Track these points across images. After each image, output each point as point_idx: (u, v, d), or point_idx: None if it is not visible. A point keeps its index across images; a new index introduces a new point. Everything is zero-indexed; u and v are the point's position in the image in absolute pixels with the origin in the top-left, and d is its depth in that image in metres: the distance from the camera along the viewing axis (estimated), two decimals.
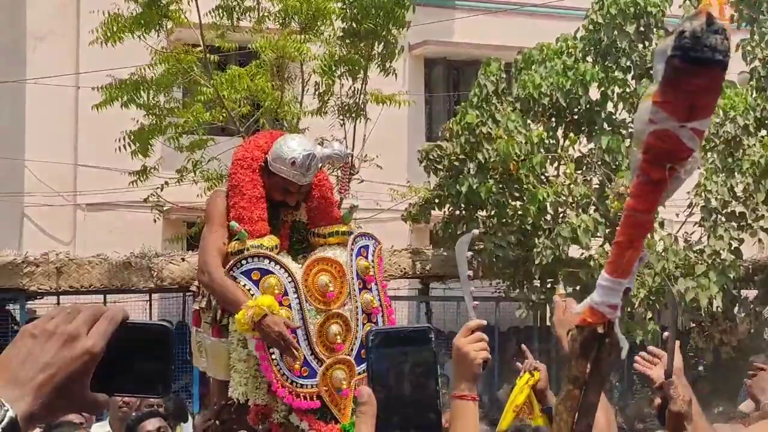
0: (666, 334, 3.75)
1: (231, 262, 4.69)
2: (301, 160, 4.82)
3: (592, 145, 13.92)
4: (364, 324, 4.80)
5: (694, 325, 14.56)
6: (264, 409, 4.75)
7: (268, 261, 4.70)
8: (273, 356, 4.63)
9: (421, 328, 2.20)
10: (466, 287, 2.95)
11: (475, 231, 3.37)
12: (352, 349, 4.78)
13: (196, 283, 5.18)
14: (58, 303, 13.94)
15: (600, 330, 1.87)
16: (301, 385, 4.64)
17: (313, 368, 4.67)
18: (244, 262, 4.68)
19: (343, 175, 5.24)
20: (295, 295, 4.70)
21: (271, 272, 4.68)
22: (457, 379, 2.64)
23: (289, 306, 4.67)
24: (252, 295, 4.61)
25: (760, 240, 13.54)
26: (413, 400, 2.06)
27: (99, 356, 1.31)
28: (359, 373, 4.71)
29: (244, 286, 4.64)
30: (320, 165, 4.99)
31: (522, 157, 13.28)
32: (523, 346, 4.82)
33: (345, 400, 4.69)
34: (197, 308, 5.03)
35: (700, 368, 14.81)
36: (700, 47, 1.55)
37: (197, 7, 12.66)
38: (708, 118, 1.65)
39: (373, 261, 4.96)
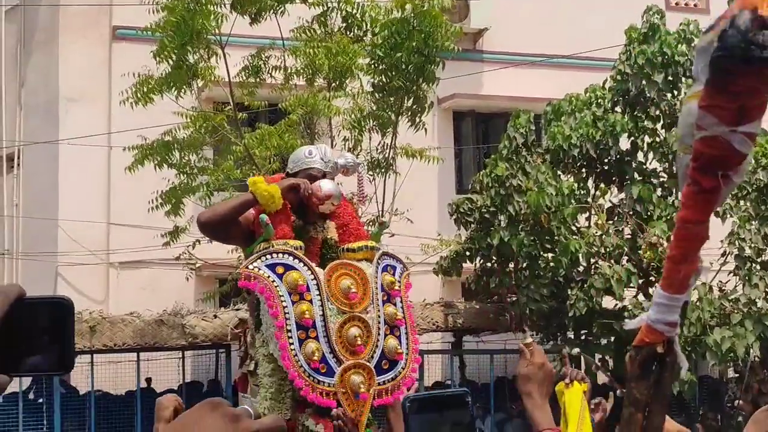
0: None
1: (255, 254, 4.73)
2: (315, 150, 5.16)
3: (623, 195, 13.86)
4: (386, 335, 4.82)
5: (733, 375, 14.38)
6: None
7: (292, 258, 4.75)
8: (292, 346, 4.61)
9: (458, 392, 2.19)
10: None
11: None
12: (372, 357, 4.77)
13: (241, 348, 5.18)
14: (92, 362, 13.98)
15: (659, 349, 1.78)
16: (319, 381, 4.62)
17: (331, 367, 4.65)
18: (269, 256, 4.72)
19: (359, 186, 5.58)
20: (317, 293, 4.73)
21: (295, 268, 4.72)
22: (540, 408, 2.33)
23: (311, 301, 4.69)
24: (276, 286, 4.65)
25: None
26: None
27: None
28: (379, 383, 4.71)
29: (268, 277, 4.67)
30: (337, 168, 5.19)
31: (553, 209, 13.24)
32: (565, 351, 4.21)
33: (362, 406, 4.66)
34: (245, 372, 5.00)
35: (740, 419, 14.58)
36: (747, 45, 1.43)
37: (226, 65, 12.80)
38: (760, 119, 1.53)
39: (399, 280, 5.01)
